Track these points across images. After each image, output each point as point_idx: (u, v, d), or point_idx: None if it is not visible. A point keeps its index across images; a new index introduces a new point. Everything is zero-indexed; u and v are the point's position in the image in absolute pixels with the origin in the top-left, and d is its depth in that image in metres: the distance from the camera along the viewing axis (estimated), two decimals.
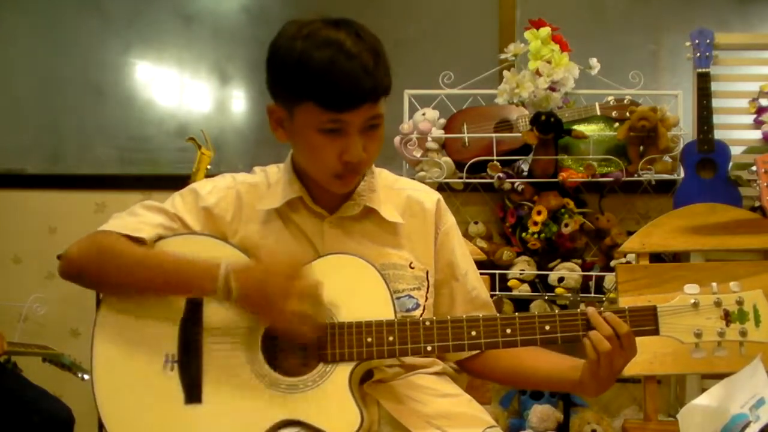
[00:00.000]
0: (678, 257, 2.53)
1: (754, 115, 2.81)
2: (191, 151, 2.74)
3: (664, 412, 2.75)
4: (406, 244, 1.48)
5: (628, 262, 2.29)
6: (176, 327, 1.38)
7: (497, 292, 2.69)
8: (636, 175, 2.75)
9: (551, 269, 2.78)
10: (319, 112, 1.30)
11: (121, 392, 1.37)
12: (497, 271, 2.73)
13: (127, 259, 1.36)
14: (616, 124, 2.77)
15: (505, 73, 2.87)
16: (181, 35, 3.46)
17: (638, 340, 1.33)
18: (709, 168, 2.65)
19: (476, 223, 2.91)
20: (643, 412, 1.96)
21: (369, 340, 1.33)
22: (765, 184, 1.83)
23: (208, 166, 2.70)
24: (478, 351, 1.48)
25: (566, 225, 2.76)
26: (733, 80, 2.91)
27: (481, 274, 1.61)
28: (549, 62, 2.77)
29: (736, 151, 2.77)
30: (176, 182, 1.74)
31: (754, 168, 1.86)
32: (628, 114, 2.72)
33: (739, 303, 1.32)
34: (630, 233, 2.27)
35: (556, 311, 1.37)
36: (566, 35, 2.84)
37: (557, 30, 2.83)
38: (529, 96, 2.79)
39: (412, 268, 1.47)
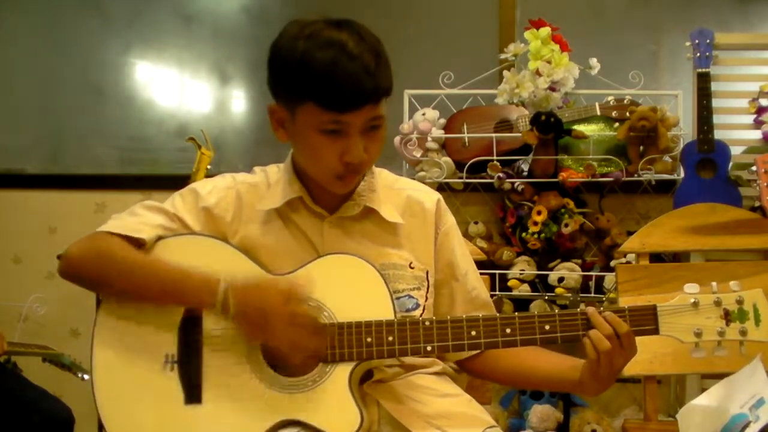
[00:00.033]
0: (678, 257, 2.53)
1: (754, 115, 2.81)
2: (191, 151, 2.74)
3: (664, 412, 2.75)
4: (406, 244, 1.48)
5: (628, 262, 2.29)
6: (176, 328, 1.38)
7: (497, 292, 2.69)
8: (636, 175, 2.75)
9: (551, 269, 2.78)
10: (320, 113, 1.30)
11: (120, 393, 1.37)
12: (497, 271, 2.73)
13: (127, 265, 1.37)
14: (616, 124, 2.77)
15: (505, 73, 2.87)
16: (181, 35, 3.46)
17: (638, 339, 1.33)
18: (709, 168, 2.65)
19: (476, 223, 2.91)
20: (643, 412, 1.96)
21: (369, 340, 1.33)
22: (765, 184, 1.83)
23: (208, 166, 2.70)
24: (477, 351, 1.48)
25: (566, 225, 2.76)
26: (733, 80, 2.91)
27: (481, 274, 1.61)
28: (549, 62, 2.77)
29: (736, 151, 2.77)
30: (176, 182, 1.74)
31: (754, 168, 1.86)
32: (628, 114, 2.72)
33: (739, 302, 1.32)
34: (630, 233, 2.27)
35: (556, 311, 1.37)
36: (566, 35, 2.84)
37: (557, 30, 2.83)
38: (529, 96, 2.79)
39: (412, 268, 1.47)
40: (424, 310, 1.47)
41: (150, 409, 1.36)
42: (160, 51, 3.49)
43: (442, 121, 2.87)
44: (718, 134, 2.66)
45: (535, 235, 2.76)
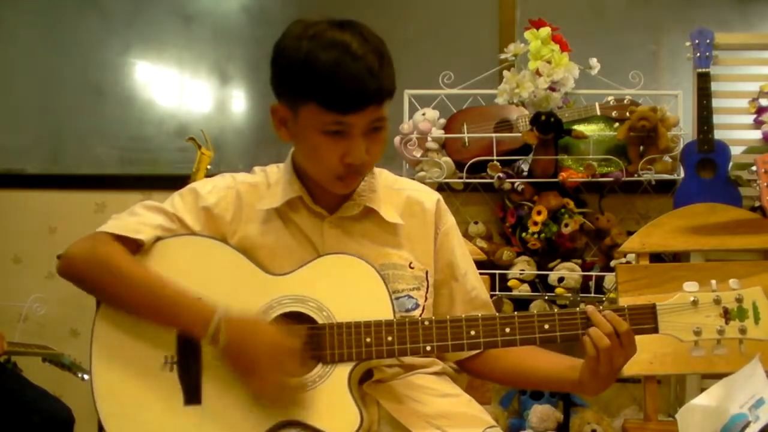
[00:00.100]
0: (678, 257, 2.53)
1: (754, 115, 2.81)
2: (191, 151, 2.74)
3: (664, 412, 2.75)
4: (405, 244, 1.48)
5: (628, 262, 2.29)
6: (175, 329, 1.38)
7: (497, 292, 2.69)
8: (636, 175, 2.75)
9: (551, 269, 2.78)
10: (322, 113, 1.30)
11: (120, 393, 1.37)
12: (497, 271, 2.73)
13: (124, 279, 1.37)
14: (616, 124, 2.77)
15: (505, 73, 2.87)
16: (181, 35, 3.46)
17: (638, 339, 1.33)
18: (709, 168, 2.65)
19: (476, 223, 2.91)
20: (643, 412, 1.96)
21: (368, 340, 1.33)
22: (765, 184, 1.83)
23: (208, 166, 2.70)
24: (477, 351, 1.48)
25: (566, 225, 2.76)
26: (733, 80, 2.91)
27: (481, 274, 1.61)
28: (549, 62, 2.77)
29: (736, 151, 2.76)
30: (176, 182, 1.74)
31: (754, 168, 1.86)
32: (628, 114, 2.72)
33: (739, 300, 1.32)
34: (630, 233, 2.27)
35: (556, 311, 1.37)
36: (566, 35, 2.84)
37: (557, 30, 2.83)
38: (529, 96, 2.79)
39: (412, 268, 1.47)
40: (423, 310, 1.47)
41: (149, 410, 1.36)
42: (160, 51, 3.49)
43: (442, 121, 2.87)
44: (718, 134, 2.66)
45: (535, 235, 2.76)
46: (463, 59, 3.13)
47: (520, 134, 2.76)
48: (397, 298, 1.42)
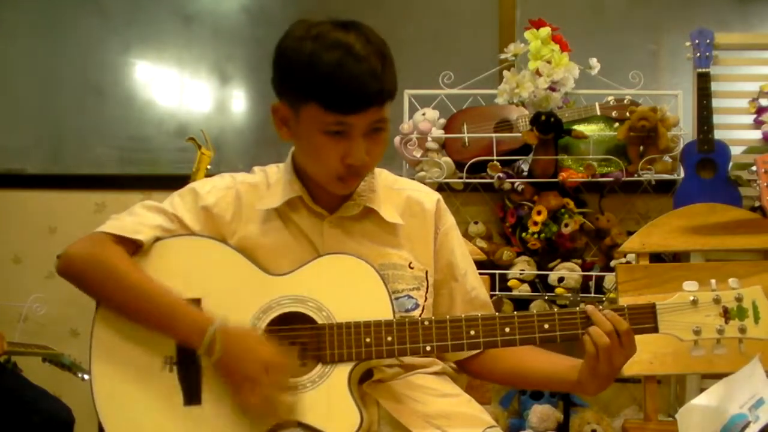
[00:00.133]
0: (678, 257, 2.53)
1: (754, 115, 2.81)
2: (191, 151, 2.74)
3: (664, 412, 2.75)
4: (405, 244, 1.48)
5: (628, 262, 2.29)
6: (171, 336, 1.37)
7: (497, 292, 2.69)
8: (636, 175, 2.75)
9: (551, 269, 2.78)
10: (324, 114, 1.30)
11: (120, 394, 1.37)
12: (497, 271, 2.73)
13: (122, 282, 1.37)
14: (616, 124, 2.77)
15: (505, 73, 2.87)
16: (181, 35, 3.46)
17: (638, 339, 1.33)
18: (709, 168, 2.65)
19: (476, 223, 2.91)
20: (643, 412, 1.96)
21: (368, 340, 1.33)
22: (765, 184, 1.83)
23: (208, 166, 2.70)
24: (477, 351, 1.48)
25: (566, 225, 2.76)
26: (733, 80, 2.91)
27: (481, 274, 1.61)
28: (549, 62, 2.77)
29: (736, 151, 2.76)
30: (176, 182, 1.74)
31: (754, 168, 1.86)
32: (628, 114, 2.72)
33: (738, 300, 1.32)
34: (630, 233, 2.27)
35: (555, 310, 1.37)
36: (566, 35, 2.84)
37: (557, 30, 2.83)
38: (529, 96, 2.79)
39: (412, 268, 1.47)
40: (423, 310, 1.47)
41: (149, 410, 1.36)
42: (160, 51, 3.49)
43: (442, 121, 2.87)
44: (718, 134, 2.66)
45: (535, 235, 2.76)
46: (463, 59, 3.14)
47: (520, 134, 2.76)
48: (396, 298, 1.42)
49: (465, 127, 2.84)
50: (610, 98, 2.82)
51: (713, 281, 1.33)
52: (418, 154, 2.83)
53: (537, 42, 2.79)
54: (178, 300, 1.36)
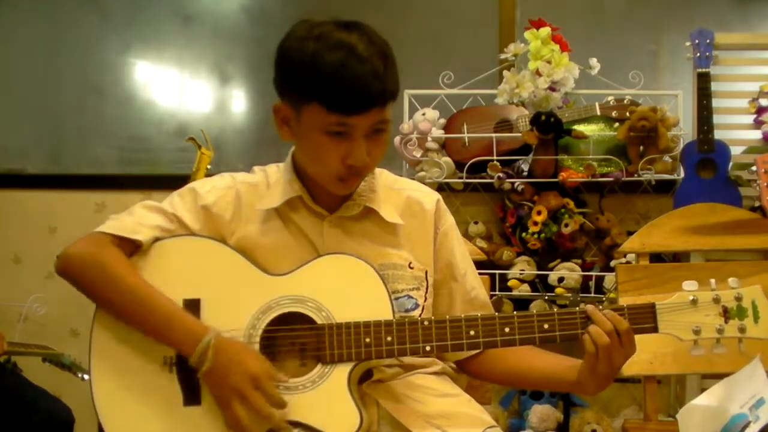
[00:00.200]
0: (678, 257, 2.53)
1: (754, 115, 2.81)
2: (191, 151, 2.74)
3: (664, 412, 2.75)
4: (405, 244, 1.48)
5: (628, 262, 2.29)
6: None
7: (497, 292, 2.69)
8: (636, 175, 2.75)
9: (551, 269, 2.78)
10: (326, 114, 1.30)
11: (119, 394, 1.37)
12: (497, 271, 2.73)
13: (119, 285, 1.36)
14: (616, 124, 2.77)
15: (505, 73, 2.87)
16: (181, 35, 3.46)
17: (638, 339, 1.33)
18: (709, 168, 2.65)
19: (476, 223, 2.91)
20: (643, 412, 1.96)
21: (367, 340, 1.33)
22: (765, 184, 1.83)
23: (208, 166, 2.70)
24: (476, 351, 1.48)
25: (566, 225, 2.76)
26: (733, 80, 2.91)
27: (481, 274, 1.61)
28: (549, 62, 2.77)
29: (736, 151, 2.76)
30: (176, 182, 1.74)
31: (754, 168, 1.86)
32: (628, 114, 2.72)
33: (738, 299, 1.32)
34: (630, 233, 2.27)
35: (555, 310, 1.37)
36: (566, 35, 2.84)
37: (557, 30, 2.83)
38: (529, 96, 2.79)
39: (412, 268, 1.47)
40: (423, 310, 1.47)
41: (149, 411, 1.36)
42: (160, 51, 3.49)
43: (442, 121, 2.87)
44: (718, 134, 2.66)
45: (535, 235, 2.76)
46: (463, 59, 3.14)
47: (520, 134, 2.76)
48: (396, 298, 1.42)
49: (465, 127, 2.84)
50: (610, 98, 2.82)
51: (713, 281, 1.33)
52: (418, 154, 2.83)
53: (537, 42, 2.79)
54: (174, 307, 1.36)
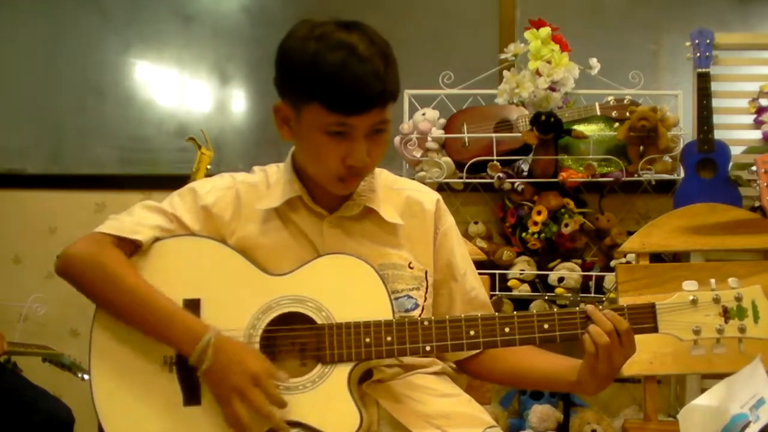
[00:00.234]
0: (678, 257, 2.53)
1: (754, 115, 2.81)
2: (191, 151, 2.74)
3: (664, 412, 2.75)
4: (405, 244, 1.48)
5: (628, 262, 2.29)
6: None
7: (497, 292, 2.69)
8: (636, 175, 2.75)
9: (551, 269, 2.78)
10: (326, 114, 1.30)
11: (119, 394, 1.37)
12: (497, 271, 2.73)
13: (119, 285, 1.36)
14: (616, 124, 2.77)
15: (505, 73, 2.87)
16: (181, 35, 3.46)
17: (638, 339, 1.33)
18: (709, 168, 2.65)
19: (476, 223, 2.91)
20: (643, 412, 1.96)
21: (367, 340, 1.33)
22: (765, 184, 1.83)
23: (208, 166, 2.70)
24: (476, 351, 1.48)
25: (566, 225, 2.76)
26: (733, 80, 2.91)
27: (481, 274, 1.61)
28: (549, 62, 2.77)
29: (736, 151, 2.76)
30: (176, 182, 1.74)
31: (754, 168, 1.86)
32: (628, 114, 2.72)
33: (738, 299, 1.32)
34: (630, 233, 2.27)
35: (555, 310, 1.37)
36: (566, 35, 2.84)
37: (557, 30, 2.83)
38: (529, 96, 2.79)
39: (411, 268, 1.47)
40: (423, 310, 1.47)
41: (149, 411, 1.36)
42: (160, 51, 3.49)
43: (442, 121, 2.87)
44: (718, 134, 2.66)
45: (535, 235, 2.76)
46: (463, 59, 3.14)
47: (520, 134, 2.76)
48: (396, 298, 1.42)
49: (465, 127, 2.84)
50: (610, 98, 2.82)
51: (713, 281, 1.33)
52: (418, 154, 2.83)
53: (537, 42, 2.79)
54: (174, 306, 1.36)
